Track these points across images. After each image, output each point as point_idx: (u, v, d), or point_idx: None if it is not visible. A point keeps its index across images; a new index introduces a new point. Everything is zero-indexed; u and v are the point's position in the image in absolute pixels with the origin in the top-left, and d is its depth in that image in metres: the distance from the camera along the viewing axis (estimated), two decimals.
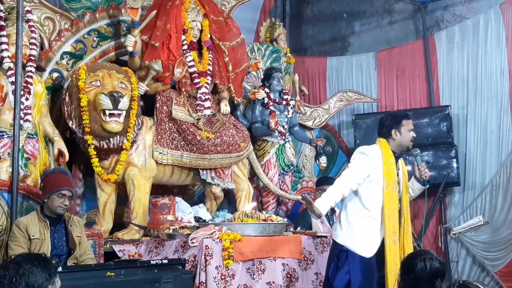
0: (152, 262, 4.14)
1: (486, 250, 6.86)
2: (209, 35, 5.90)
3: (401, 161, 4.28)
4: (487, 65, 7.11)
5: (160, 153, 5.36)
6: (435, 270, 3.06)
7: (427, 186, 4.30)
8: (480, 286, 2.87)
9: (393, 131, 4.20)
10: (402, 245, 4.09)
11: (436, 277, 3.06)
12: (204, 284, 4.31)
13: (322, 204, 4.01)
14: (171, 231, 4.79)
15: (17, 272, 2.41)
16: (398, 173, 4.18)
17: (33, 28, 5.01)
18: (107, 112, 4.85)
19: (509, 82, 6.95)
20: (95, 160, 5.09)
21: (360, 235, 4.05)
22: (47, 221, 4.12)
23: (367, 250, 4.05)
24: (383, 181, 4.07)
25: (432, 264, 3.06)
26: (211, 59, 5.86)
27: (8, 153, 4.59)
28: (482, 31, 7.16)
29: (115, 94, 4.84)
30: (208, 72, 5.79)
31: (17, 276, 2.40)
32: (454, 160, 7.05)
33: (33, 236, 4.00)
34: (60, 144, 5.11)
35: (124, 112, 4.94)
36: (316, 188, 6.11)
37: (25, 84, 4.73)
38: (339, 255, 4.12)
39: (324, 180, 6.03)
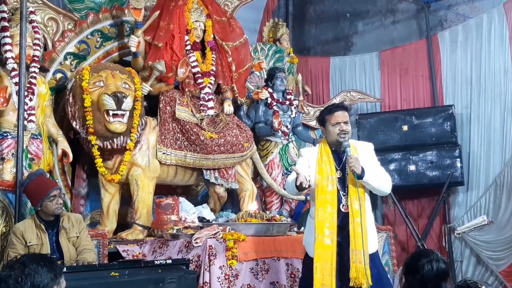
0: (156, 262, 4.13)
1: (490, 249, 6.85)
2: (212, 35, 5.91)
3: (356, 154, 3.92)
4: (490, 64, 7.11)
5: (163, 153, 5.36)
6: (442, 272, 3.04)
7: (360, 179, 3.79)
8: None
9: (322, 128, 4.03)
10: (350, 245, 3.75)
11: (443, 278, 3.05)
12: (208, 284, 4.30)
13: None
14: (175, 231, 4.79)
15: (23, 272, 2.41)
16: (342, 168, 3.88)
17: (36, 29, 5.02)
18: (111, 113, 4.86)
19: None
20: (98, 161, 5.10)
21: (309, 236, 3.89)
22: (43, 225, 4.02)
23: (310, 249, 3.86)
24: (314, 177, 3.87)
25: (438, 266, 3.04)
26: (214, 59, 5.86)
27: (12, 154, 4.61)
28: (486, 31, 7.16)
29: (118, 94, 4.84)
30: (211, 72, 5.80)
31: (23, 276, 2.40)
32: (458, 159, 7.04)
33: (29, 242, 3.93)
34: (64, 144, 5.12)
35: (127, 113, 4.95)
36: None
37: (28, 85, 4.74)
38: (303, 262, 4.01)
39: None
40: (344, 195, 3.84)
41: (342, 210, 3.81)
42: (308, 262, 3.86)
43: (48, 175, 4.34)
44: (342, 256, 3.76)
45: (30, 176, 4.30)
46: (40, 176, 4.24)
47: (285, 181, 6.50)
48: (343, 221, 3.79)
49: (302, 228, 5.60)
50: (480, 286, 2.86)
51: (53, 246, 4.05)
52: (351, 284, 3.67)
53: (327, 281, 3.70)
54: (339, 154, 3.91)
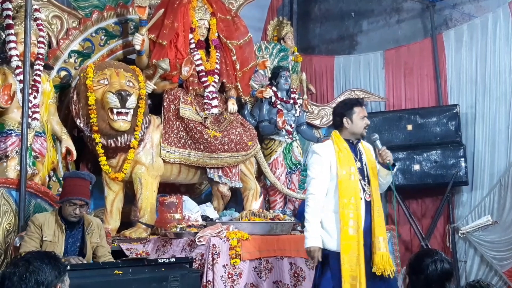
0: (159, 260, 4.14)
1: (494, 249, 6.82)
2: (216, 34, 5.90)
3: (362, 146, 4.11)
4: (495, 64, 7.09)
5: (167, 151, 5.36)
6: (446, 272, 3.04)
7: (393, 170, 4.01)
8: None
9: (344, 119, 4.04)
10: (374, 231, 3.87)
11: (446, 278, 3.05)
12: (212, 283, 4.30)
13: (313, 238, 3.84)
14: (178, 230, 4.79)
15: (27, 270, 2.41)
16: (360, 159, 4.02)
17: (41, 27, 5.02)
18: (115, 111, 4.86)
19: None
20: (102, 159, 5.10)
21: (331, 231, 3.87)
22: (64, 224, 4.04)
23: (332, 245, 3.86)
24: (336, 171, 3.91)
25: (443, 266, 3.04)
26: (218, 57, 5.85)
27: (16, 151, 4.61)
28: (491, 30, 7.13)
29: (122, 92, 4.84)
30: (216, 70, 5.79)
31: (27, 273, 2.40)
32: (462, 159, 7.02)
33: (45, 237, 3.95)
34: (68, 142, 5.12)
35: (131, 111, 4.94)
36: None
37: (33, 83, 4.74)
38: (322, 263, 4.00)
39: None
40: (365, 185, 3.95)
41: (366, 199, 3.91)
42: (331, 259, 3.85)
43: (92, 179, 4.25)
44: (367, 245, 3.82)
45: (72, 174, 4.42)
46: (78, 178, 4.18)
47: (289, 180, 6.51)
48: (366, 210, 3.89)
49: None
50: (488, 286, 2.85)
51: (66, 247, 4.05)
52: (373, 270, 3.75)
53: (356, 271, 3.74)
54: (354, 145, 4.05)
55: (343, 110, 4.09)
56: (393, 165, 4.00)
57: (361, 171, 3.98)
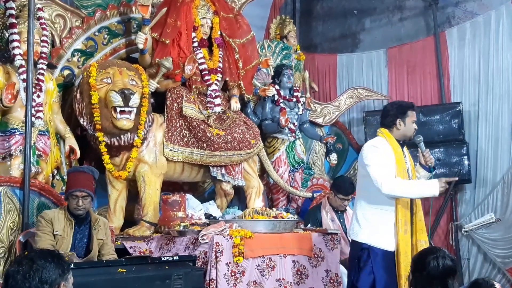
0: (163, 258, 4.15)
1: (497, 247, 6.83)
2: (219, 32, 5.90)
3: (406, 149, 4.27)
4: (498, 61, 7.09)
5: (170, 150, 5.37)
6: (448, 269, 3.05)
7: (433, 172, 4.26)
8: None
9: (397, 121, 4.18)
10: (415, 234, 4.07)
11: (449, 275, 3.06)
12: (215, 281, 4.31)
13: (429, 186, 4.02)
14: (181, 228, 4.80)
15: (31, 268, 2.42)
16: (405, 160, 4.17)
17: (44, 26, 5.02)
18: (118, 109, 4.86)
19: None
20: (106, 157, 5.10)
21: (381, 229, 4.02)
22: (73, 220, 4.12)
23: (390, 243, 4.02)
24: (395, 169, 4.04)
25: (445, 263, 3.05)
26: (221, 56, 5.86)
27: (20, 150, 4.62)
28: (494, 28, 7.14)
29: (125, 91, 4.85)
30: (219, 69, 5.79)
31: (31, 272, 2.41)
32: (466, 157, 7.03)
33: (56, 231, 4.01)
34: (71, 141, 5.13)
35: (134, 109, 4.95)
36: (333, 191, 5.90)
37: (36, 82, 4.75)
38: (360, 254, 4.07)
39: (351, 187, 5.79)
40: None
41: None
42: (375, 255, 3.99)
43: (95, 173, 4.33)
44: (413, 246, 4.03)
45: (72, 169, 4.52)
46: (78, 172, 4.28)
47: (292, 178, 6.51)
48: (411, 211, 4.10)
49: (309, 225, 5.61)
50: (493, 284, 2.86)
51: (74, 243, 4.11)
52: None
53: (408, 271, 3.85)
54: (402, 146, 4.20)
55: (398, 112, 4.20)
56: (434, 168, 4.18)
57: (407, 172, 4.14)
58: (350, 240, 4.46)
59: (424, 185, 4.03)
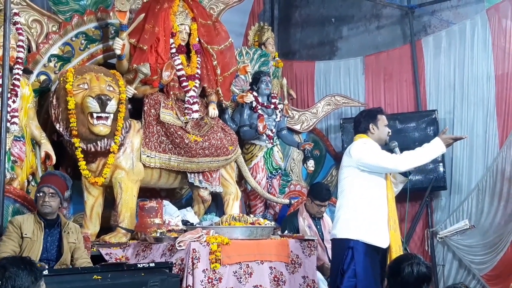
0: (139, 265, 4.14)
1: (472, 253, 6.91)
2: (197, 39, 5.90)
3: None
4: (473, 70, 7.19)
5: (147, 156, 5.35)
6: (422, 275, 3.09)
7: (409, 177, 4.42)
8: None
9: (370, 126, 4.30)
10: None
11: (423, 281, 3.10)
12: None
13: (434, 146, 4.22)
14: (158, 235, 4.78)
15: (3, 275, 2.40)
16: None
17: (20, 31, 4.99)
18: (95, 115, 4.83)
19: (495, 87, 7.03)
20: (82, 163, 5.06)
21: (373, 226, 4.11)
22: (42, 222, 4.13)
23: (382, 239, 4.13)
24: None
25: (419, 269, 3.09)
26: (199, 62, 5.86)
27: None
28: (469, 36, 7.23)
29: (102, 97, 4.82)
30: (196, 75, 5.79)
31: (3, 279, 2.40)
32: (441, 164, 7.11)
33: (25, 234, 4.01)
34: (47, 147, 5.09)
35: (111, 115, 4.93)
36: (310, 197, 5.96)
37: (12, 87, 4.71)
38: (344, 255, 4.11)
39: (328, 194, 5.93)
40: None
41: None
42: (362, 250, 4.08)
43: (67, 180, 4.47)
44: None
45: (49, 172, 4.64)
46: (53, 175, 4.43)
47: (269, 184, 6.52)
48: None
49: (286, 231, 5.62)
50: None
51: (45, 246, 4.12)
52: None
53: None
54: None
55: (368, 117, 4.33)
56: (410, 172, 4.32)
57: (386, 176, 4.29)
58: (332, 241, 4.46)
59: (431, 147, 4.20)
